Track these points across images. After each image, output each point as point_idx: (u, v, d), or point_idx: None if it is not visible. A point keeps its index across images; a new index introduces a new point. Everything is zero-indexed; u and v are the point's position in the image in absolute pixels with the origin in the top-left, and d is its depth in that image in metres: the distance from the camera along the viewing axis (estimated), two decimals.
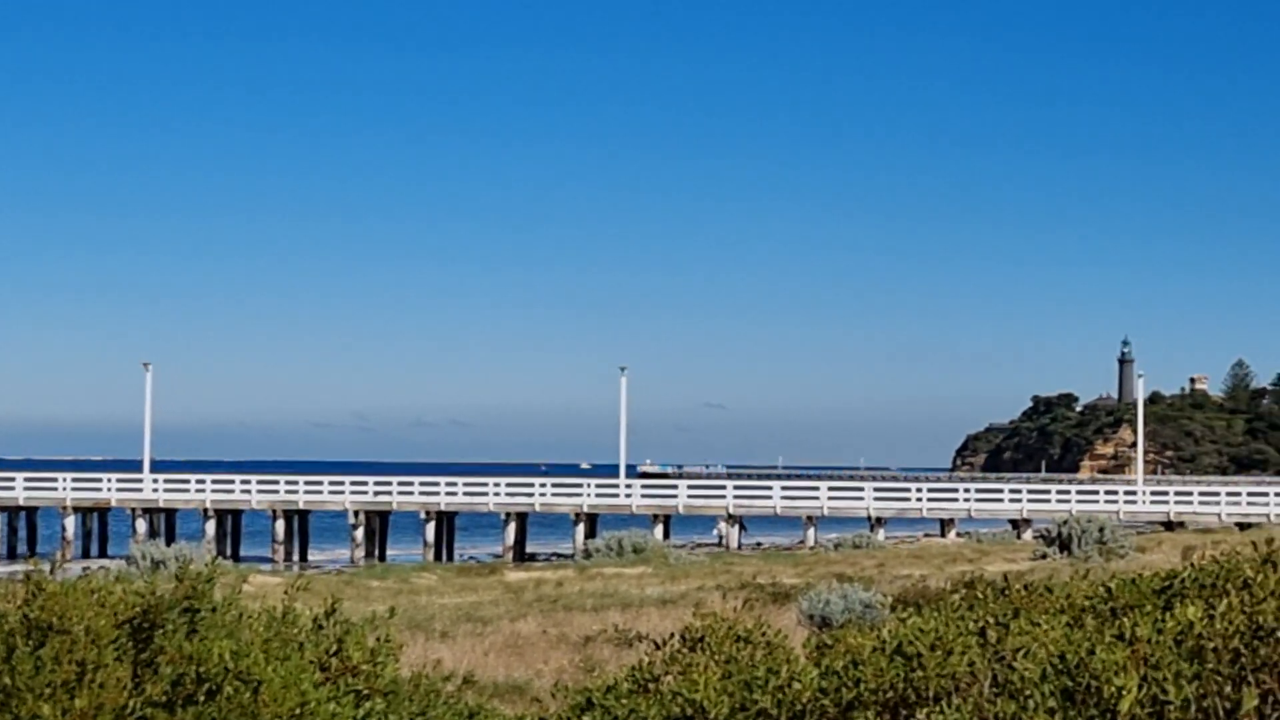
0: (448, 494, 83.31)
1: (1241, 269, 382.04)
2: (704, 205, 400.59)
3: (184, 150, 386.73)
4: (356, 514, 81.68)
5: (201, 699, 7.36)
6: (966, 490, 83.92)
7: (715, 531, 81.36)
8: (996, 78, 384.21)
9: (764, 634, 14.57)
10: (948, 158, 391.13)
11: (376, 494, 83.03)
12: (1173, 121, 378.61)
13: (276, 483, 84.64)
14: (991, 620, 11.67)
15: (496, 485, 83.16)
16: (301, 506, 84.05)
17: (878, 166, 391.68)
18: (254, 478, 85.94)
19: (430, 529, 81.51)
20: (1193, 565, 12.21)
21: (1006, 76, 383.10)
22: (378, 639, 8.61)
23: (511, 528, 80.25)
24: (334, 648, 8.41)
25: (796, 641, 15.17)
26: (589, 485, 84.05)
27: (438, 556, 79.32)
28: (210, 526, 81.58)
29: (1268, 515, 77.44)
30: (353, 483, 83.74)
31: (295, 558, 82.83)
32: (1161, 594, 11.59)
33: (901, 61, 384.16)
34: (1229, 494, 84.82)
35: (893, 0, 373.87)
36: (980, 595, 15.63)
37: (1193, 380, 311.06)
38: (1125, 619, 10.34)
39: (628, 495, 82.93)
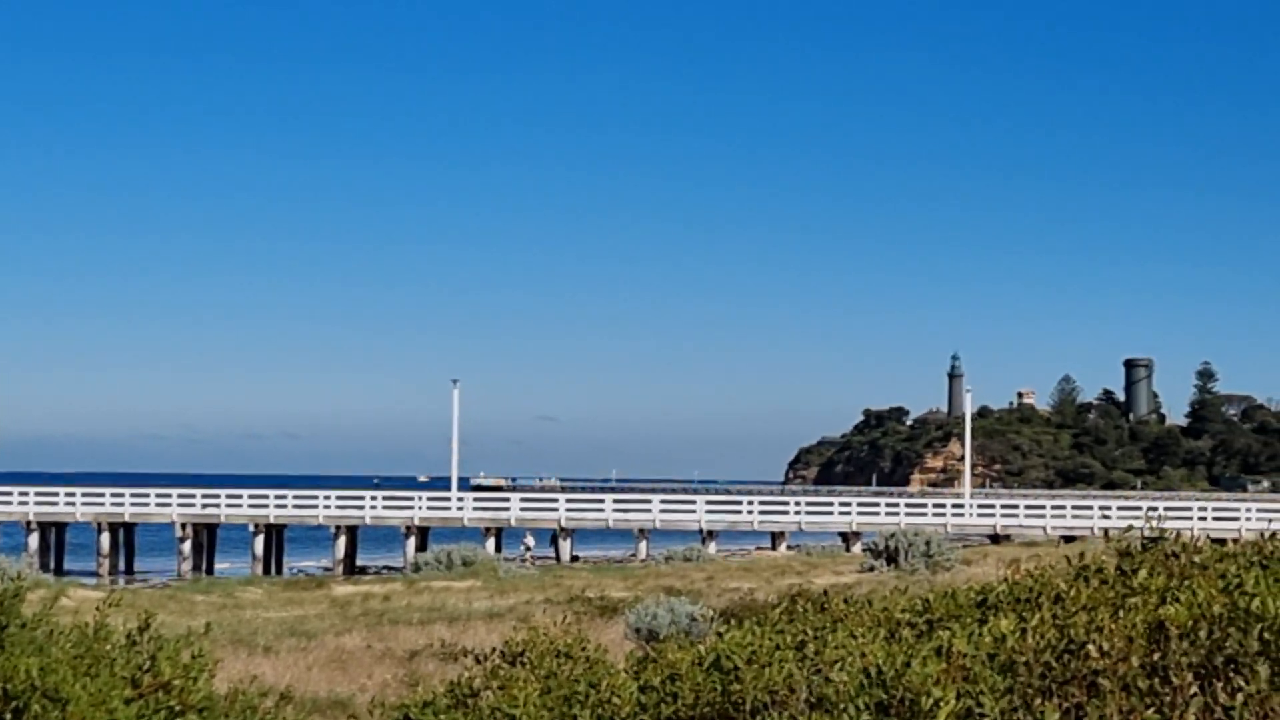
0: (277, 506, 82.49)
1: (1068, 285, 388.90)
2: (534, 218, 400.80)
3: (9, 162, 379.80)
4: (184, 527, 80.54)
5: (8, 717, 7.24)
6: (797, 503, 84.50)
7: (522, 545, 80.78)
8: (819, 83, 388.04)
9: (584, 649, 14.60)
10: (780, 170, 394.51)
11: (204, 506, 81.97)
12: (1000, 136, 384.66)
13: (102, 495, 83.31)
14: (810, 633, 11.79)
15: (327, 498, 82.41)
16: (128, 519, 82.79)
17: (710, 179, 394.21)
18: (79, 490, 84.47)
19: (259, 542, 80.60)
20: (1008, 579, 12.42)
21: (829, 82, 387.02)
22: (193, 654, 8.51)
23: (342, 541, 79.58)
24: (146, 664, 8.29)
25: (623, 655, 15.24)
26: (420, 498, 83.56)
27: (266, 570, 78.49)
28: (33, 540, 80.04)
29: (1091, 528, 78.80)
30: (180, 495, 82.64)
31: (121, 571, 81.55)
32: (978, 607, 11.76)
33: (719, 67, 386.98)
34: (1054, 507, 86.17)
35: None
36: (801, 608, 15.76)
37: (1021, 395, 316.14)
38: (942, 632, 10.49)
39: (459, 508, 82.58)
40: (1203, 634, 8.68)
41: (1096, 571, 11.66)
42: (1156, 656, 8.75)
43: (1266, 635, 8.37)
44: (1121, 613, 9.39)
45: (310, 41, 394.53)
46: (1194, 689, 8.19)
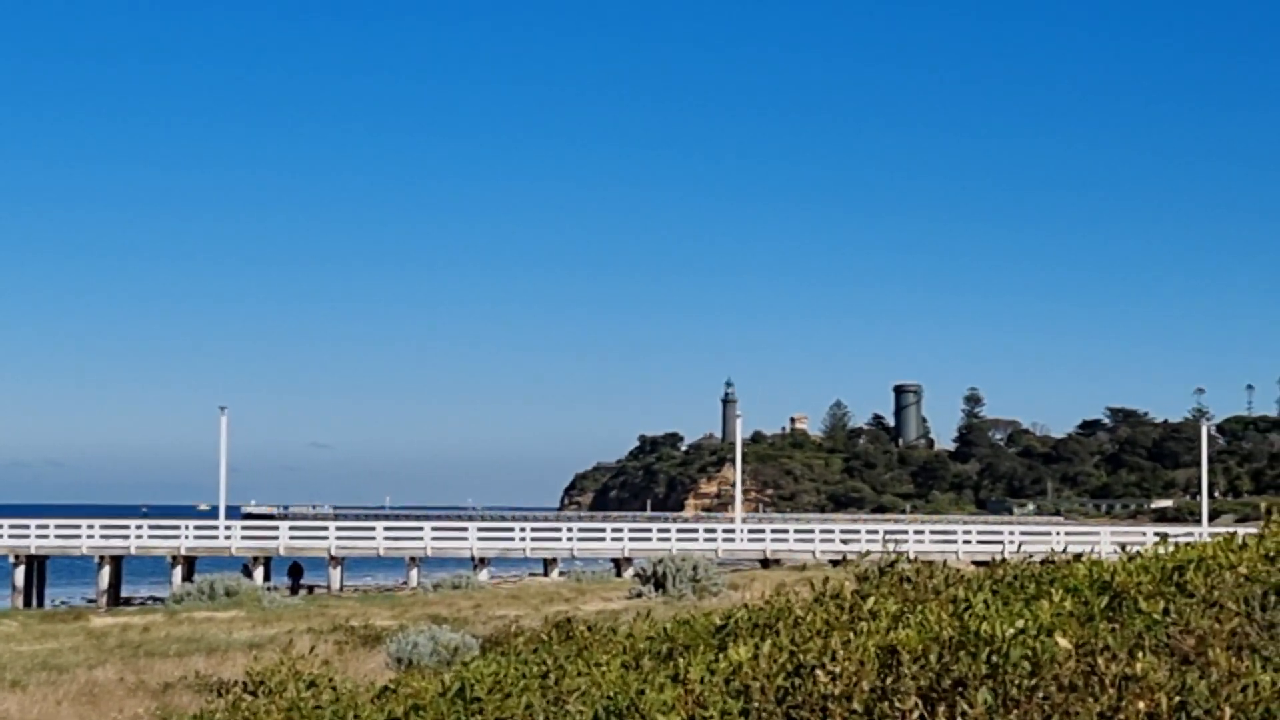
0: (38, 536, 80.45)
1: (841, 312, 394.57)
2: (299, 241, 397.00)
3: None
4: None
5: None
6: (570, 530, 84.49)
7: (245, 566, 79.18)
8: (584, 101, 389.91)
9: (331, 679, 14.39)
10: (552, 193, 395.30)
11: None
12: (767, 161, 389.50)
13: None
14: (552, 662, 11.74)
15: (90, 527, 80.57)
16: None
17: (481, 202, 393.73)
18: None
19: (19, 573, 78.55)
20: (746, 606, 12.43)
21: (595, 99, 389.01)
22: None
23: (106, 571, 77.84)
24: None
25: (381, 685, 15.01)
26: (187, 527, 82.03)
27: (28, 603, 76.50)
28: None
29: (859, 552, 79.70)
30: None
31: None
32: (718, 634, 11.79)
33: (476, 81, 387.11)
34: (823, 531, 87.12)
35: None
36: (545, 637, 15.70)
37: (794, 420, 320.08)
38: (681, 659, 10.51)
39: (227, 537, 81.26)
40: (933, 658, 8.77)
41: (834, 596, 11.74)
42: (889, 680, 8.83)
43: (994, 659, 8.47)
44: (853, 637, 9.46)
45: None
46: (917, 713, 8.26)
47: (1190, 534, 64.99)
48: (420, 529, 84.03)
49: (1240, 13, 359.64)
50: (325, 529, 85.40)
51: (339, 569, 79.21)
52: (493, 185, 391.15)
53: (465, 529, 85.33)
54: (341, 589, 76.99)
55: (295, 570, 79.13)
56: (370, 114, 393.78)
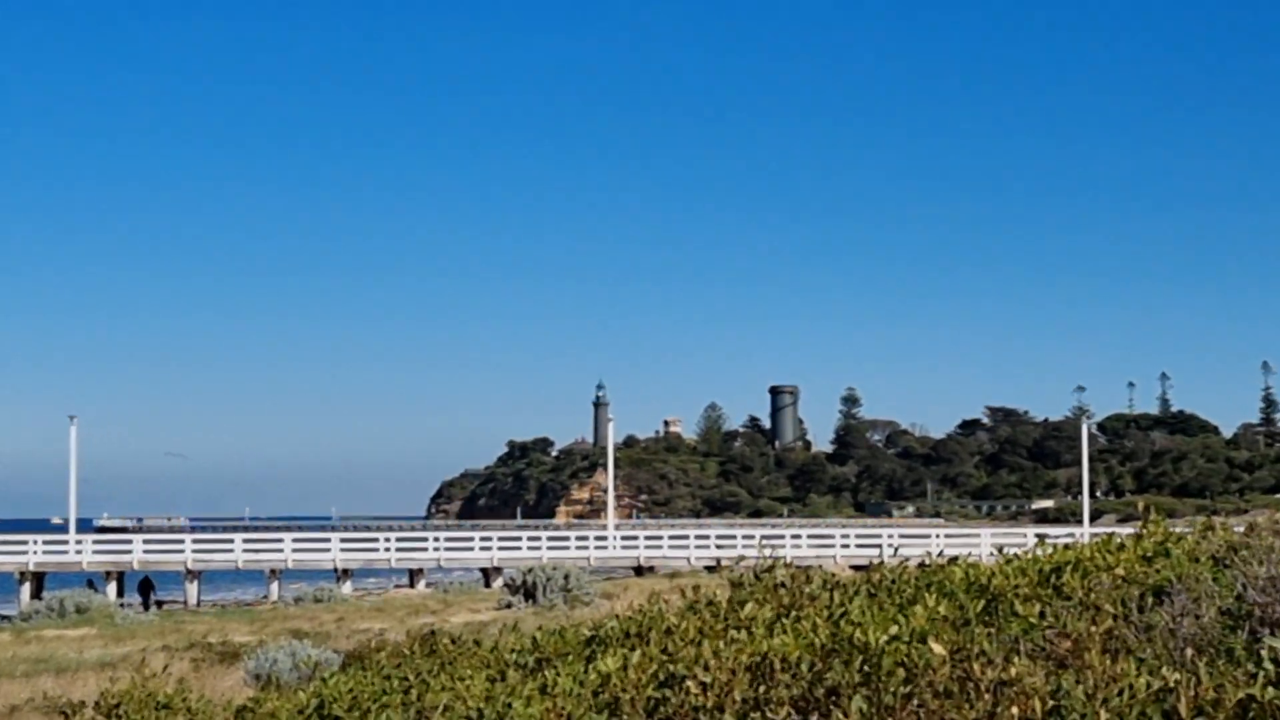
0: None
1: (714, 313, 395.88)
2: (154, 244, 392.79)
3: None
4: None
5: None
6: (436, 539, 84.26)
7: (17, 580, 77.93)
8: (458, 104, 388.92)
9: (186, 699, 14.23)
10: (418, 195, 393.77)
11: None
12: (637, 161, 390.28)
13: None
14: (414, 677, 11.69)
15: None
16: None
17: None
18: None
19: None
20: (618, 615, 12.43)
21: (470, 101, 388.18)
22: None
23: None
24: None
25: (239, 704, 14.86)
26: (35, 542, 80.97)
27: None
28: None
29: (735, 557, 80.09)
30: None
31: None
32: (588, 644, 11.79)
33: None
34: (698, 537, 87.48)
35: None
36: (408, 650, 15.63)
37: (668, 423, 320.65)
38: (549, 671, 10.50)
39: (78, 551, 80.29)
40: (805, 666, 8.82)
41: (707, 604, 11.77)
42: (762, 690, 8.86)
43: (867, 667, 8.53)
44: (725, 646, 9.50)
45: None
46: None
47: (1071, 535, 65.84)
48: (281, 540, 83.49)
49: None
50: (181, 541, 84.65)
51: (196, 583, 78.49)
52: (345, 187, 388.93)
53: (328, 539, 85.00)
54: (199, 604, 76.29)
55: (145, 586, 78.12)
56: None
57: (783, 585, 11.81)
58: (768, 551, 12.94)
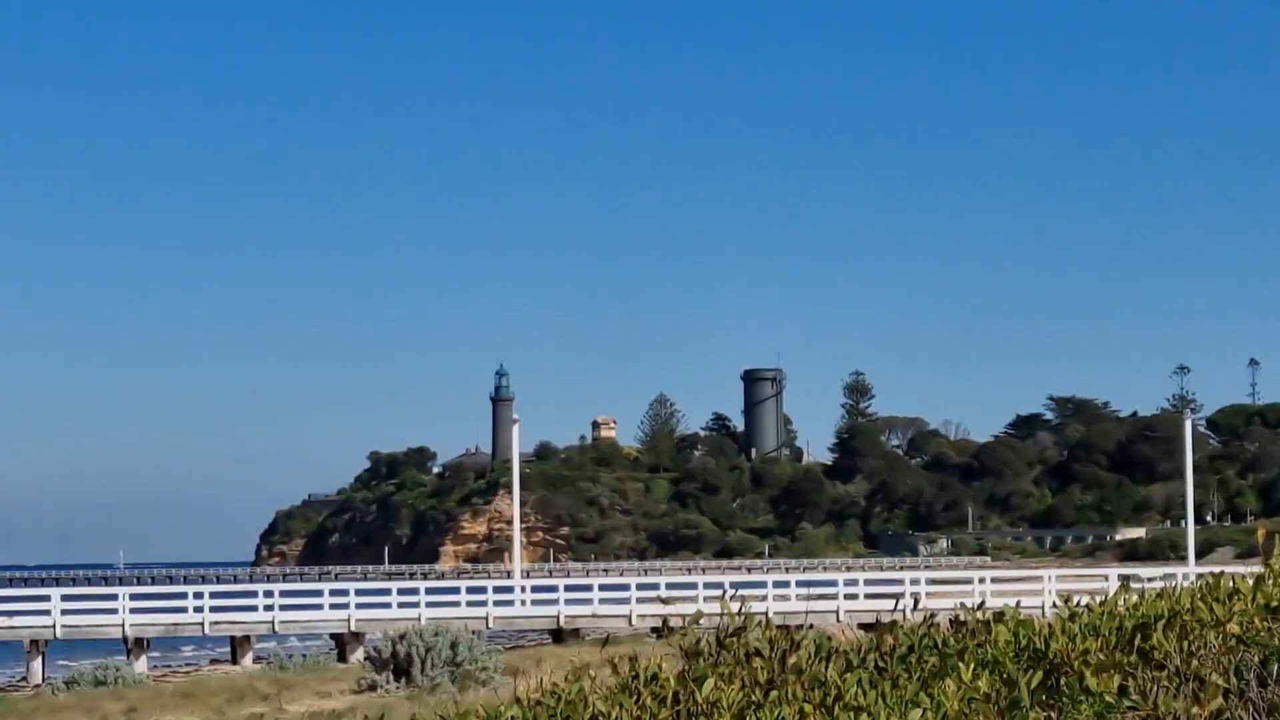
0: None
1: (658, 272, 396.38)
2: None
3: None
4: None
5: None
6: (269, 594, 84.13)
7: None
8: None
9: None
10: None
11: None
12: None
13: None
14: None
15: None
16: None
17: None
18: None
19: None
20: (522, 700, 12.52)
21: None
22: None
23: None
24: None
25: None
26: None
27: None
28: None
29: (692, 616, 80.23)
30: None
31: None
32: None
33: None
34: (641, 587, 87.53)
35: None
36: None
37: (598, 425, 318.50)
38: None
39: None
40: None
41: (651, 681, 11.83)
42: None
43: None
44: None
45: None
46: None
47: (1170, 576, 66.29)
48: (47, 598, 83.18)
49: None
50: None
51: None
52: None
53: (114, 596, 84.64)
54: None
55: None
56: None
57: (758, 654, 11.86)
58: (738, 606, 13.02)
